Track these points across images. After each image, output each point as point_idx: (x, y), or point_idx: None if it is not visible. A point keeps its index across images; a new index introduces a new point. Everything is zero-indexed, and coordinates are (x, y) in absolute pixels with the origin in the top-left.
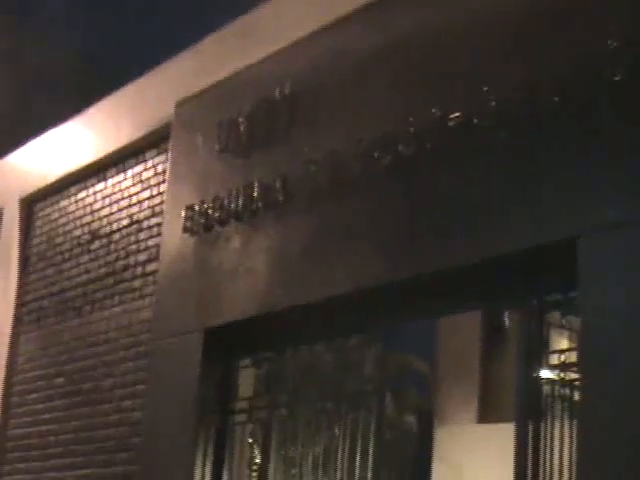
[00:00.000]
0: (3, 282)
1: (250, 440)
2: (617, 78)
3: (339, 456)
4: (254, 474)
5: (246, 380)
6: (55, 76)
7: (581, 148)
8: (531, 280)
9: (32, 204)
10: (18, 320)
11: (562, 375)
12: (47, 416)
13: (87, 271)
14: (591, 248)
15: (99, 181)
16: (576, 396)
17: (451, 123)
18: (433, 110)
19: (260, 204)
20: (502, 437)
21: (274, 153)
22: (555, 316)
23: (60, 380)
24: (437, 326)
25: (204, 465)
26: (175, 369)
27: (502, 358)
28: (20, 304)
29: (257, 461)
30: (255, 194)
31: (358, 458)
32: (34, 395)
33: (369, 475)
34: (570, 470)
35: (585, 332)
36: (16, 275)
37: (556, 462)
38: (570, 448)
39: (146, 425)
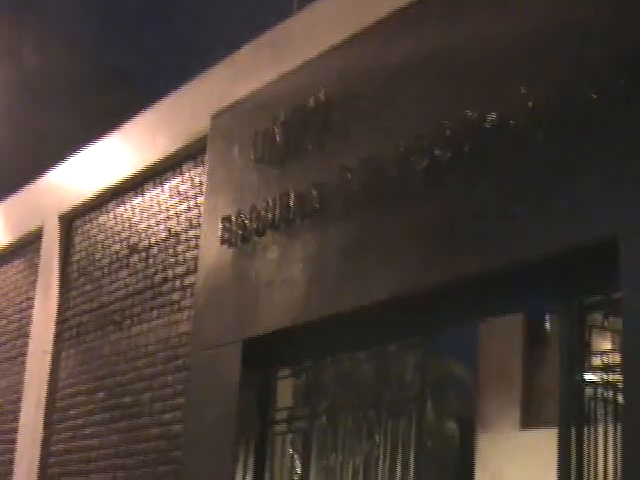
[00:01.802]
0: (44, 299)
1: (290, 450)
2: None
3: (380, 465)
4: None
5: (286, 390)
6: (89, 92)
7: (622, 147)
8: (572, 282)
9: (71, 221)
10: (59, 336)
11: (605, 377)
12: (88, 431)
13: (126, 285)
14: (633, 248)
15: (136, 195)
16: (620, 399)
17: (487, 125)
18: (468, 113)
19: (296, 213)
20: (545, 443)
21: (309, 162)
22: (597, 318)
23: (100, 395)
24: (478, 331)
25: (245, 476)
26: (214, 381)
27: (544, 363)
28: (60, 320)
29: (298, 471)
30: (291, 203)
31: (399, 467)
32: (75, 410)
33: None
34: (615, 475)
35: (627, 333)
36: (56, 292)
37: (600, 467)
38: (614, 452)
39: (186, 438)
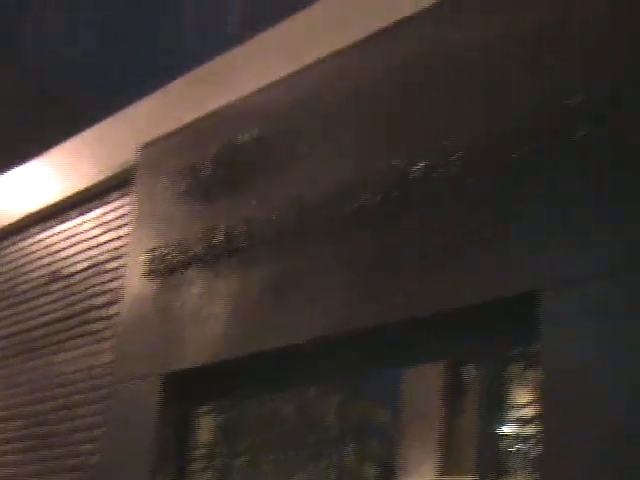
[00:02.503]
0: None
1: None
2: (582, 132)
3: None
4: None
5: (206, 427)
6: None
7: (545, 200)
8: (493, 333)
9: None
10: None
11: (522, 430)
12: (1, 460)
13: (47, 313)
14: (553, 301)
15: (61, 222)
16: (537, 451)
17: (414, 173)
18: (397, 160)
19: (223, 249)
20: None
21: (238, 198)
22: (516, 370)
23: (17, 423)
24: (402, 376)
25: None
26: (133, 414)
27: (464, 411)
28: None
29: None
30: (218, 239)
31: None
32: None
33: None
34: None
35: (545, 387)
36: None
37: None
38: None
39: (101, 470)
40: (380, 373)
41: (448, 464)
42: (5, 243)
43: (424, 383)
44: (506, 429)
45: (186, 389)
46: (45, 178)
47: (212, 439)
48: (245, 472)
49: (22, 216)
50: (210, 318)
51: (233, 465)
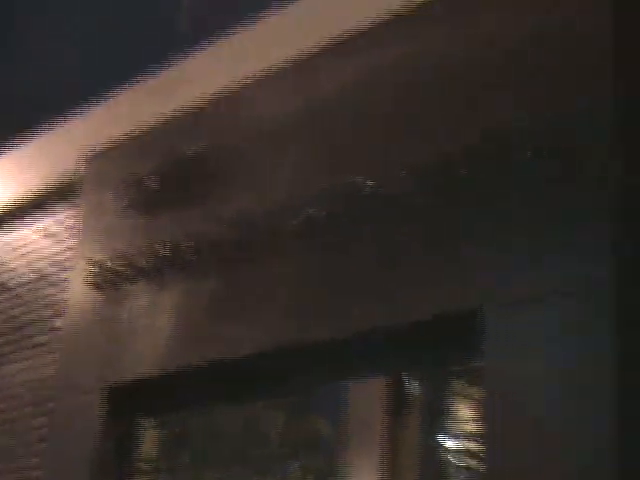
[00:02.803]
0: None
1: None
2: (528, 153)
3: None
4: None
5: (150, 441)
6: None
7: (491, 219)
8: (437, 348)
9: None
10: None
11: (465, 445)
12: None
13: None
14: (496, 318)
15: (5, 233)
16: (479, 467)
17: (364, 190)
18: (346, 176)
19: (167, 263)
20: None
21: (184, 212)
22: (459, 385)
23: None
24: (346, 390)
25: None
26: (76, 427)
27: (408, 425)
28: None
29: None
30: (163, 252)
31: None
32: None
33: None
34: None
35: (488, 403)
36: None
37: None
38: None
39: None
40: (325, 388)
41: (391, 478)
42: None
43: (368, 397)
44: (450, 444)
45: (129, 402)
46: None
47: (155, 454)
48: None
49: None
50: (155, 331)
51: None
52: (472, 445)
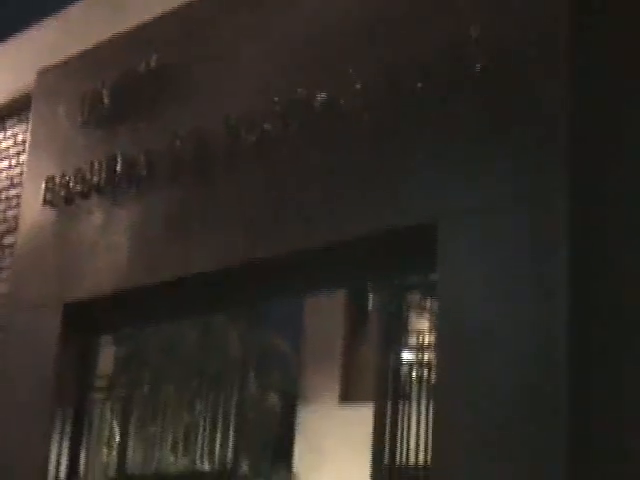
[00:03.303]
0: None
1: (110, 419)
2: (478, 66)
3: (200, 435)
4: (113, 453)
5: (107, 358)
6: None
7: (444, 132)
8: (392, 262)
9: None
10: None
11: (420, 357)
12: None
13: None
14: (450, 232)
15: None
16: (433, 377)
17: (316, 104)
18: (299, 90)
19: (123, 178)
20: (363, 417)
21: (138, 127)
22: (415, 299)
23: None
24: (303, 307)
25: (61, 444)
26: (32, 344)
27: (364, 340)
28: None
29: (117, 440)
30: (118, 168)
31: (219, 437)
32: None
33: (229, 454)
34: (426, 448)
35: (442, 314)
36: None
37: (412, 440)
38: (426, 426)
39: (1, 403)
40: (283, 303)
41: (348, 392)
42: None
43: (326, 312)
44: (405, 356)
45: (86, 319)
46: None
47: (113, 369)
48: (146, 402)
49: None
50: (109, 248)
51: (134, 395)
52: (426, 357)
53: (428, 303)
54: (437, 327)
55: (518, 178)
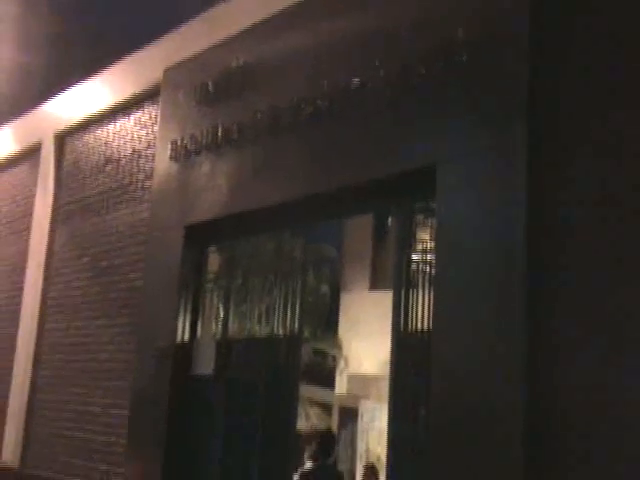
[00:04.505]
0: (43, 192)
1: (216, 302)
2: (463, 58)
3: (276, 312)
4: (219, 324)
5: (214, 262)
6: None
7: (440, 106)
8: (405, 193)
9: (63, 138)
10: (54, 218)
11: (424, 257)
12: (75, 284)
13: (102, 185)
14: (445, 173)
15: (110, 122)
16: (433, 271)
17: (352, 86)
18: (340, 77)
19: (222, 140)
20: (386, 300)
21: (232, 106)
22: (420, 218)
23: (85, 259)
24: (343, 226)
25: (185, 318)
26: (164, 252)
27: (385, 246)
28: (55, 208)
29: (221, 315)
30: (219, 134)
31: (289, 313)
32: (67, 269)
33: (296, 325)
34: (429, 322)
35: (439, 229)
36: (52, 189)
37: (419, 317)
38: (429, 307)
39: (145, 291)
40: (330, 224)
41: (375, 283)
42: (73, 137)
43: (359, 229)
44: (414, 257)
45: (199, 236)
46: (99, 91)
47: (218, 270)
48: (239, 290)
49: (85, 118)
50: (214, 188)
51: (231, 286)
52: (429, 257)
53: (430, 221)
54: (436, 237)
55: (490, 133)
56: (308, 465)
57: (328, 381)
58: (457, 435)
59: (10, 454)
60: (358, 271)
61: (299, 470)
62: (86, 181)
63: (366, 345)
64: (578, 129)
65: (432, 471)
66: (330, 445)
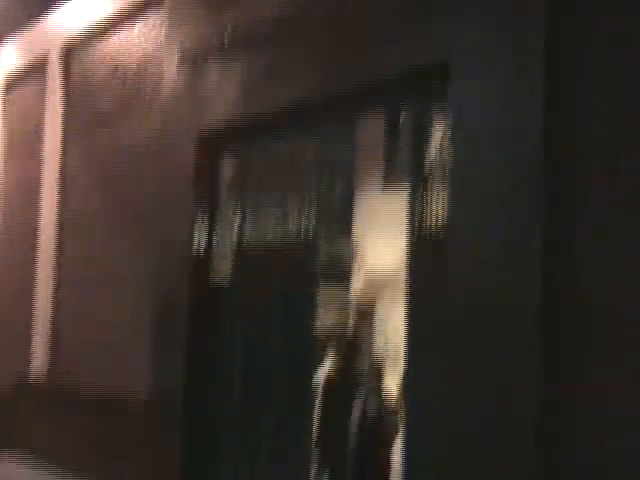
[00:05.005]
0: (53, 109)
1: (233, 209)
2: None
3: (292, 216)
4: (234, 233)
5: (230, 166)
6: None
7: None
8: (421, 89)
9: (70, 50)
10: (65, 134)
11: (440, 154)
12: (91, 200)
13: (112, 96)
14: (459, 66)
15: (116, 33)
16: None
17: None
18: None
19: (230, 46)
20: (400, 199)
21: (240, 7)
22: (435, 115)
23: (99, 174)
24: (356, 125)
25: (201, 226)
26: (178, 163)
27: (398, 145)
28: (65, 124)
29: (238, 220)
30: (227, 37)
31: (305, 217)
32: (82, 186)
33: (312, 227)
34: (443, 212)
35: (454, 125)
36: (60, 104)
37: (435, 214)
38: (444, 200)
39: (161, 202)
40: (343, 124)
41: (389, 181)
42: (79, 49)
43: (371, 127)
44: (429, 154)
45: (212, 142)
46: (103, 1)
47: (233, 177)
48: (254, 197)
49: (89, 29)
50: (224, 94)
51: (247, 192)
52: (445, 155)
53: (444, 118)
54: (451, 133)
55: (505, 26)
56: (328, 364)
57: (343, 282)
58: (475, 329)
59: (39, 367)
60: (372, 169)
61: (323, 370)
62: (94, 94)
63: (381, 245)
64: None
65: (448, 365)
66: (357, 345)
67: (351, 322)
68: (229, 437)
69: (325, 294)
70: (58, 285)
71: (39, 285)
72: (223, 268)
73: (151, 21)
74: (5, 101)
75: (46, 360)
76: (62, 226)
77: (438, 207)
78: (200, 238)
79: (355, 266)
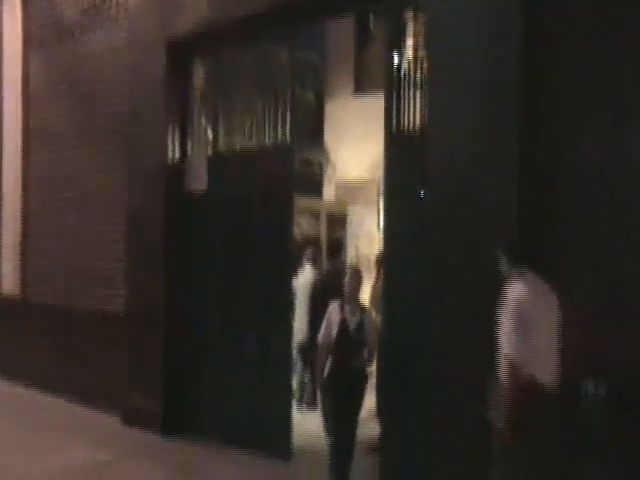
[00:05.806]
0: (10, 16)
1: (205, 118)
2: None
3: (265, 124)
4: (209, 140)
5: (199, 74)
6: None
7: None
8: None
9: None
10: (26, 44)
11: (415, 55)
12: (57, 113)
13: (75, 4)
14: None
15: None
16: (424, 71)
17: None
18: None
19: None
20: (373, 104)
21: None
22: (409, 15)
23: (65, 86)
24: (325, 31)
25: (174, 135)
26: (147, 72)
27: (369, 52)
28: (26, 33)
29: (210, 133)
30: None
31: (279, 124)
32: (46, 98)
33: (284, 136)
34: (421, 118)
35: (430, 22)
36: (20, 9)
37: (411, 113)
38: (421, 109)
39: (131, 113)
40: (312, 28)
41: (359, 86)
42: None
43: (341, 35)
44: (404, 55)
45: (183, 51)
46: None
47: (204, 85)
48: (227, 104)
49: None
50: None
51: (219, 100)
52: (420, 54)
53: (419, 18)
54: (428, 31)
55: None
56: (308, 267)
57: (316, 189)
58: (456, 215)
59: (9, 285)
60: (342, 76)
61: (302, 274)
62: (57, 2)
63: (352, 151)
64: None
65: (433, 256)
66: (337, 249)
67: (322, 229)
68: (211, 342)
69: (297, 201)
70: (26, 202)
71: (5, 200)
72: (198, 176)
73: None
74: None
75: (17, 283)
76: (27, 140)
77: (415, 107)
78: (174, 147)
79: (327, 173)
